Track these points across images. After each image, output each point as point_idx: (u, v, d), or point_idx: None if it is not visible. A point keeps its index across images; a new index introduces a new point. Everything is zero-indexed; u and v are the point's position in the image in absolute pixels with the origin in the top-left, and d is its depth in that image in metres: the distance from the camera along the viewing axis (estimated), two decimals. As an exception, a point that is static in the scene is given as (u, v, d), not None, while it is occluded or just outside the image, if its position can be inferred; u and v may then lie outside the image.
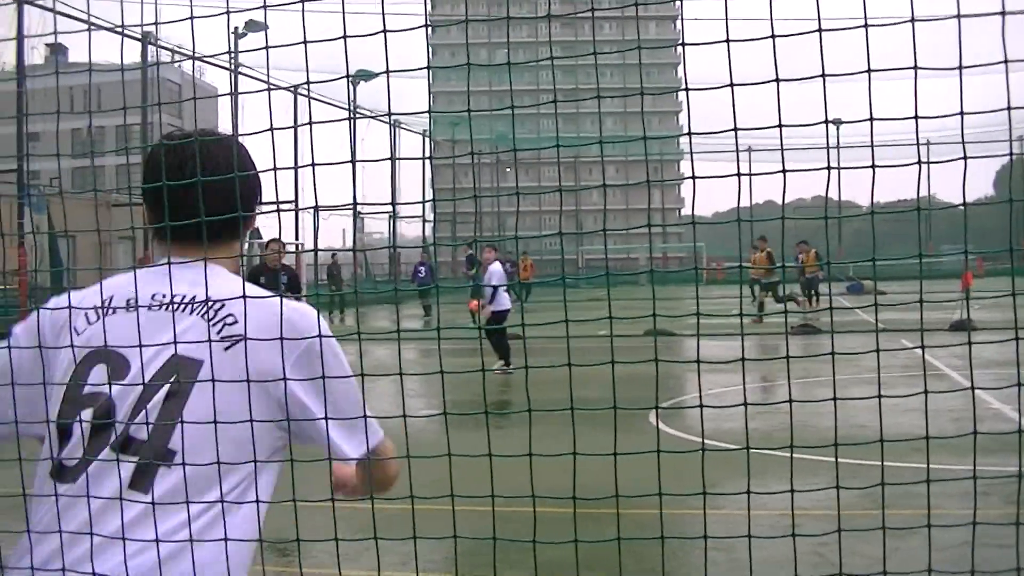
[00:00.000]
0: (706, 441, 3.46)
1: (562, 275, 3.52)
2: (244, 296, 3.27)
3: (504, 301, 25.66)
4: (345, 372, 3.43)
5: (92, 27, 4.47)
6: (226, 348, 3.26)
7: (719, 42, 3.35)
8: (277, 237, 18.62)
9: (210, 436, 3.13)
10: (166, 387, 3.21)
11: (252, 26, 50.11)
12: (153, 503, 3.08)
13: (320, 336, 3.32)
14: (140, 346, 3.23)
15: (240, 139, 3.67)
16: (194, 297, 3.35)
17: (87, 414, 3.25)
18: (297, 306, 3.43)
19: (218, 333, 3.29)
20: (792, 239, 51.47)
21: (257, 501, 3.33)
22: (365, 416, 3.41)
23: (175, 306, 3.33)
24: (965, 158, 3.27)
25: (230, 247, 3.64)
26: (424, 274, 46.60)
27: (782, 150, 3.39)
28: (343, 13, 3.48)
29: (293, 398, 3.32)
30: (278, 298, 3.36)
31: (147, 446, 3.17)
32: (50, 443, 3.30)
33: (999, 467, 11.74)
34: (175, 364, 3.24)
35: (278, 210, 3.77)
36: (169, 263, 3.39)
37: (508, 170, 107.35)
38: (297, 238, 56.19)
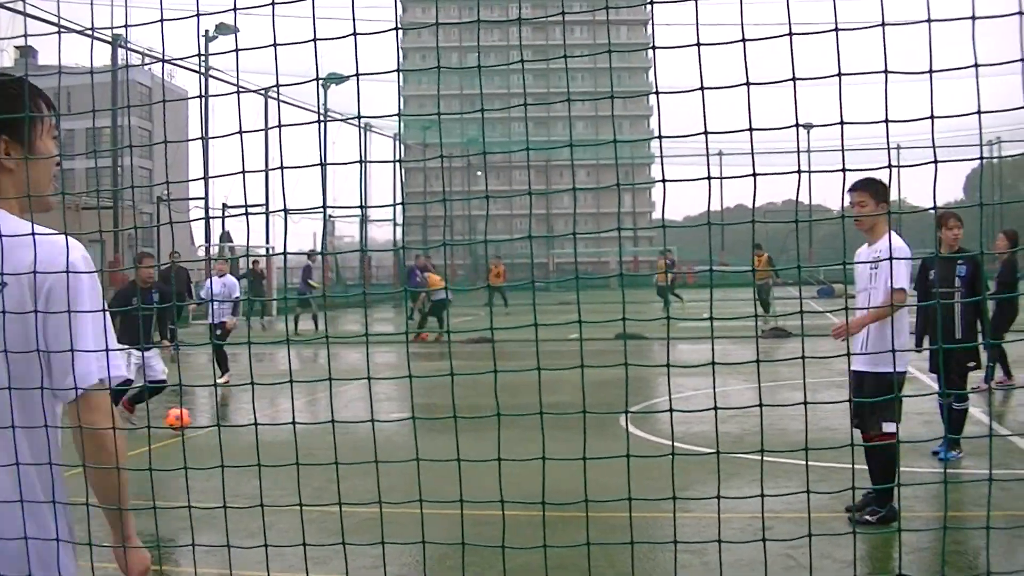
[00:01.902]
0: (677, 445, 3.46)
1: (532, 279, 3.51)
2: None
3: (224, 315, 24.01)
4: (86, 306, 3.36)
5: (62, 30, 4.44)
6: None
7: (690, 46, 3.35)
8: (148, 252, 17.99)
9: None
10: None
11: (222, 29, 50.01)
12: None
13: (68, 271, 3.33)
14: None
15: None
16: None
17: None
18: (56, 240, 3.37)
19: None
20: (762, 243, 51.59)
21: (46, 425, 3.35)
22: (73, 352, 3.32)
23: None
24: (936, 162, 3.27)
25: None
26: (420, 278, 46.04)
27: (752, 154, 3.39)
28: (313, 17, 3.47)
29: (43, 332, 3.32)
30: (33, 235, 3.31)
31: None
32: None
33: (970, 470, 11.67)
34: None
35: (247, 213, 3.75)
36: None
37: (479, 173, 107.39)
38: (267, 241, 56.09)
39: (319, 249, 53.53)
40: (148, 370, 17.10)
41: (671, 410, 3.49)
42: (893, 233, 9.41)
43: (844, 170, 3.41)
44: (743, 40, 3.29)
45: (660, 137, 3.38)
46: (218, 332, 22.94)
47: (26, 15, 37.19)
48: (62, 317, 3.28)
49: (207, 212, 51.66)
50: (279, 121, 3.64)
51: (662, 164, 3.49)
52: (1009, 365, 19.04)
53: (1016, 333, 17.60)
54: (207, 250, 51.78)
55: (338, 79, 51.28)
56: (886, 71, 3.21)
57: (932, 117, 3.22)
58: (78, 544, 3.48)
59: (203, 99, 49.96)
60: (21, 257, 3.28)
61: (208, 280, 23.86)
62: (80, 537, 3.53)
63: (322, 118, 55.94)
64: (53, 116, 3.57)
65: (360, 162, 3.52)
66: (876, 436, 9.44)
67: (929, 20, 3.17)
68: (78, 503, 3.41)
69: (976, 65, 3.19)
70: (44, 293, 3.28)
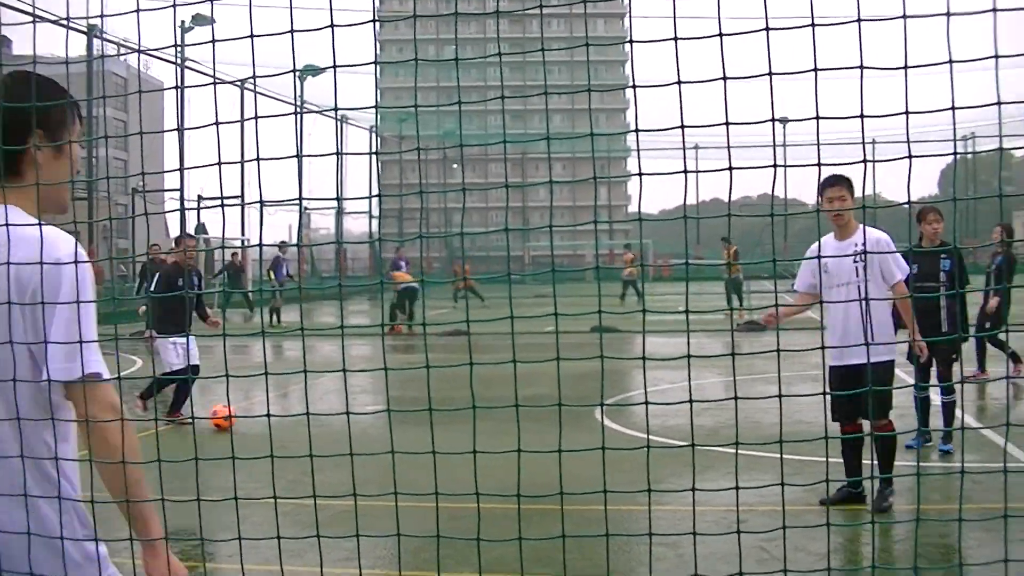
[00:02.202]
0: (652, 438, 3.47)
1: (508, 271, 3.52)
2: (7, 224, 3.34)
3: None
4: (81, 297, 3.39)
5: (37, 19, 4.43)
6: None
7: (667, 40, 3.35)
8: (189, 232, 17.47)
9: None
10: None
11: (199, 20, 49.83)
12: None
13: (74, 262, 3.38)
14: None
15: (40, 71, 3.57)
16: None
17: None
18: (55, 236, 3.42)
19: None
20: (737, 237, 51.59)
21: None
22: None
23: None
24: (910, 157, 3.28)
25: (24, 180, 3.55)
26: (405, 270, 45.66)
27: (728, 148, 3.40)
28: (291, 8, 3.46)
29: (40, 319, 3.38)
30: (39, 228, 3.39)
31: None
32: None
33: (942, 463, 11.69)
34: None
35: (223, 204, 3.75)
36: None
37: (455, 166, 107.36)
38: (243, 233, 55.96)
39: (294, 241, 53.32)
40: (167, 357, 16.79)
41: (646, 403, 3.50)
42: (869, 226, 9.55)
43: (820, 164, 3.42)
44: (720, 34, 3.30)
45: (637, 131, 3.39)
46: None
47: (0, 4, 37.02)
48: (45, 313, 3.31)
49: (182, 204, 51.47)
50: (255, 113, 3.64)
51: (639, 157, 3.50)
52: (985, 360, 19.17)
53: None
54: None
55: (314, 71, 51.19)
56: (861, 67, 3.22)
57: (907, 112, 3.24)
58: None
59: (179, 90, 49.83)
60: (14, 253, 3.32)
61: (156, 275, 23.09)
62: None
63: (298, 110, 55.83)
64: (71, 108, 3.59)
65: (336, 154, 3.54)
66: (885, 425, 9.56)
67: (904, 16, 3.18)
68: (51, 495, 3.40)
69: (951, 61, 3.20)
70: (31, 290, 3.33)
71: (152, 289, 18.03)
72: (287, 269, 41.82)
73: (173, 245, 17.86)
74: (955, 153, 6.34)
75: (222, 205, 3.78)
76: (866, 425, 9.78)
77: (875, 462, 9.60)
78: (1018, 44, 3.20)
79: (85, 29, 43.45)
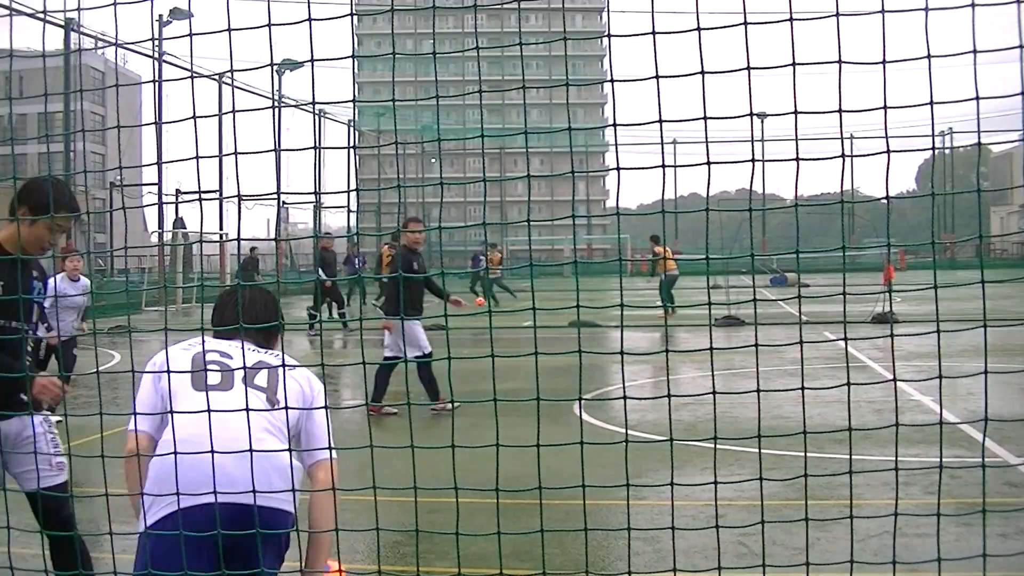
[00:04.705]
0: (630, 432, 3.47)
1: (486, 266, 3.51)
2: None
3: (71, 326, 17.12)
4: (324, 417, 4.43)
5: (14, 12, 4.40)
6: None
7: (645, 34, 3.35)
8: (415, 216, 17.27)
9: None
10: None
11: (176, 14, 49.73)
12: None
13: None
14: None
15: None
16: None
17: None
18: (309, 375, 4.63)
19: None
20: (716, 231, 51.63)
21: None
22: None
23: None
24: (888, 152, 3.29)
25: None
26: (358, 266, 45.37)
27: (707, 143, 3.40)
28: (268, 2, 3.45)
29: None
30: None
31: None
32: None
33: (920, 457, 11.74)
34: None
35: (200, 199, 3.75)
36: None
37: (433, 161, 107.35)
38: (221, 228, 55.86)
39: (273, 235, 53.26)
40: (418, 341, 15.66)
41: (624, 397, 3.50)
42: None
43: (798, 159, 3.42)
44: (698, 29, 3.30)
45: (615, 125, 3.39)
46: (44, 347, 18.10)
47: (-24, -1, 36.86)
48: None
49: (160, 198, 51.41)
50: (233, 107, 3.63)
51: (616, 152, 3.50)
52: None
53: None
54: (160, 236, 51.53)
55: (292, 65, 51.14)
56: (840, 61, 3.22)
57: (885, 107, 3.24)
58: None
59: (156, 84, 49.72)
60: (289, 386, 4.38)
61: (53, 279, 18.21)
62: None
63: (276, 104, 55.74)
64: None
65: (314, 148, 3.54)
66: None
67: (883, 11, 3.18)
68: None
69: (929, 56, 3.21)
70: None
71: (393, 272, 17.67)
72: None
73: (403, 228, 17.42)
74: (933, 148, 6.39)
75: (200, 199, 3.78)
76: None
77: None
78: (995, 39, 3.21)
79: (62, 23, 43.33)
